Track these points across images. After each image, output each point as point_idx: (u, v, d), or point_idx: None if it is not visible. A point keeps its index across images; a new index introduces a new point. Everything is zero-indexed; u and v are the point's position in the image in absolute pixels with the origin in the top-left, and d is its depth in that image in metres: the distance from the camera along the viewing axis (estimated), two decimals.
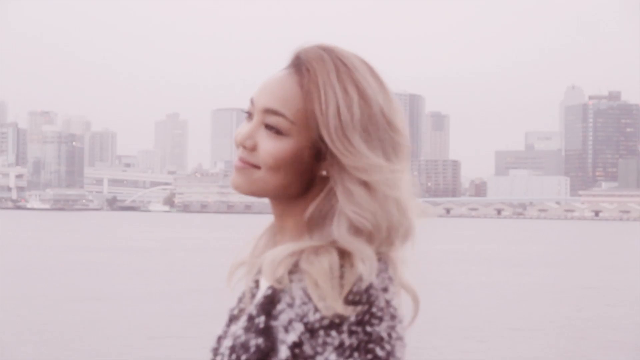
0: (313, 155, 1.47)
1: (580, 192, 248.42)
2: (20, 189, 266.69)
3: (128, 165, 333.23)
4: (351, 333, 1.36)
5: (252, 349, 1.41)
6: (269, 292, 1.43)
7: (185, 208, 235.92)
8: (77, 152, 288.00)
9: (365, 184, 1.42)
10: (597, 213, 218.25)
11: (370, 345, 1.36)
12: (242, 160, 1.50)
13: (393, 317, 1.38)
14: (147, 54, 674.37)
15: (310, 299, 1.38)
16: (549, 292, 32.32)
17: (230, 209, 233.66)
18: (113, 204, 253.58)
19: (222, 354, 1.46)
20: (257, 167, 1.49)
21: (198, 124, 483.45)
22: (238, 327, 1.45)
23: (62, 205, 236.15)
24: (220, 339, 1.53)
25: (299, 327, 1.38)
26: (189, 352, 18.27)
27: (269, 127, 1.47)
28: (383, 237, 1.41)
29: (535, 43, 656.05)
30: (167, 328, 21.24)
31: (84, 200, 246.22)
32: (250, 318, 1.44)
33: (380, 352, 1.36)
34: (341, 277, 1.37)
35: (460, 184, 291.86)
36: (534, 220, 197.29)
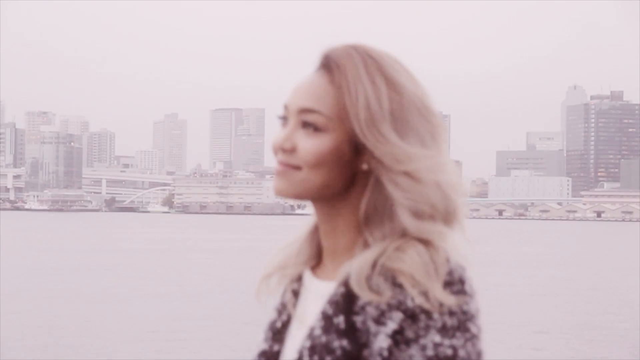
0: (352, 149, 1.47)
1: (582, 193, 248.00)
2: (18, 189, 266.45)
3: (126, 165, 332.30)
4: (451, 314, 1.38)
5: (338, 352, 1.40)
6: (342, 289, 1.43)
7: (185, 209, 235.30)
8: (76, 152, 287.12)
9: (407, 173, 1.43)
10: (599, 214, 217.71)
11: (467, 324, 1.39)
12: (282, 163, 1.50)
13: (475, 291, 1.42)
14: (145, 54, 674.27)
15: (402, 289, 1.38)
16: (551, 293, 32.46)
17: (229, 209, 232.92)
18: (111, 204, 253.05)
19: (302, 354, 1.43)
20: (298, 168, 1.48)
21: (197, 124, 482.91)
22: (315, 327, 1.44)
23: (60, 206, 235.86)
24: (267, 355, 1.52)
25: (397, 316, 1.38)
26: (190, 353, 18.33)
27: (306, 125, 1.48)
28: (443, 216, 1.44)
29: (537, 43, 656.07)
30: (168, 328, 21.35)
31: (82, 201, 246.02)
32: (327, 317, 1.43)
33: (474, 329, 1.40)
34: (434, 265, 1.39)
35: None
36: (535, 221, 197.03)
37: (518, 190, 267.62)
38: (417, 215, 1.42)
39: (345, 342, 1.40)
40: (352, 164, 1.48)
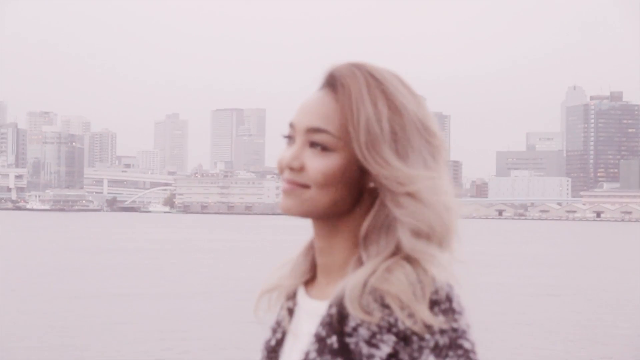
0: (360, 167, 1.47)
1: (582, 193, 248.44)
2: (20, 189, 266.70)
3: (128, 165, 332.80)
4: (442, 332, 1.39)
5: None
6: (334, 310, 1.44)
7: (186, 209, 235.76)
8: (77, 152, 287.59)
9: (409, 194, 1.44)
10: (598, 214, 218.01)
11: (459, 341, 1.40)
12: (290, 181, 1.49)
13: (464, 308, 1.43)
14: (146, 54, 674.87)
15: (391, 310, 1.39)
16: (550, 292, 32.33)
17: (230, 209, 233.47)
18: (113, 204, 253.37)
19: None
20: (306, 186, 1.48)
21: (198, 125, 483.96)
22: (310, 351, 1.45)
23: (62, 205, 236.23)
24: None
25: (390, 338, 1.40)
26: (192, 352, 18.22)
27: (314, 145, 1.48)
28: (439, 238, 1.45)
29: (537, 43, 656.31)
30: (169, 328, 21.25)
31: (83, 201, 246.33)
32: (321, 339, 1.44)
33: (467, 345, 1.41)
34: (420, 286, 1.40)
35: (461, 184, 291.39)
36: (535, 221, 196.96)
37: (518, 191, 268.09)
38: (415, 234, 1.43)
39: None
40: (360, 183, 1.49)
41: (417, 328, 1.39)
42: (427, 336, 1.39)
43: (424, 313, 1.39)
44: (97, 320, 22.34)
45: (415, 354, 1.39)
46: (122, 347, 18.63)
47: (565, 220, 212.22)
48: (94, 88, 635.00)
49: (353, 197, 1.49)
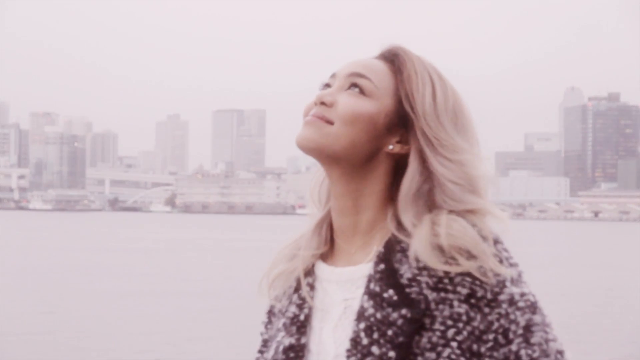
0: (386, 124, 1.52)
1: (580, 193, 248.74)
2: (23, 189, 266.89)
3: (129, 166, 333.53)
4: (512, 265, 1.48)
5: (399, 322, 1.42)
6: (382, 266, 1.47)
7: (187, 209, 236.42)
8: (79, 153, 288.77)
9: (458, 162, 1.51)
10: (596, 214, 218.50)
11: (522, 275, 1.49)
12: (315, 114, 1.52)
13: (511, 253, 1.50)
14: (147, 55, 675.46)
15: (455, 259, 1.44)
16: (548, 292, 32.00)
17: (231, 209, 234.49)
18: (115, 204, 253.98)
19: (358, 336, 1.44)
20: (330, 122, 1.51)
21: (199, 125, 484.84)
22: (365, 308, 1.45)
23: (64, 205, 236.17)
24: (295, 349, 1.52)
25: (464, 280, 1.44)
26: (193, 352, 18.17)
27: (353, 86, 1.53)
28: (482, 195, 1.54)
29: (535, 44, 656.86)
30: (169, 328, 21.14)
31: (85, 201, 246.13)
32: (376, 294, 1.45)
33: (525, 288, 1.48)
34: (483, 238, 1.46)
35: None
36: (533, 221, 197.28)
37: (516, 191, 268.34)
38: (461, 190, 1.50)
39: (404, 311, 1.42)
40: (380, 140, 1.53)
41: (494, 282, 1.44)
42: (505, 289, 1.44)
43: (492, 263, 1.44)
44: (99, 320, 22.16)
45: (497, 289, 1.44)
46: (124, 346, 18.51)
47: (564, 220, 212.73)
48: (95, 89, 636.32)
49: (370, 149, 1.52)
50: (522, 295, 1.45)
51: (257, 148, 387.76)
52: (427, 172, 1.50)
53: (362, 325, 1.43)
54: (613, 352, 19.14)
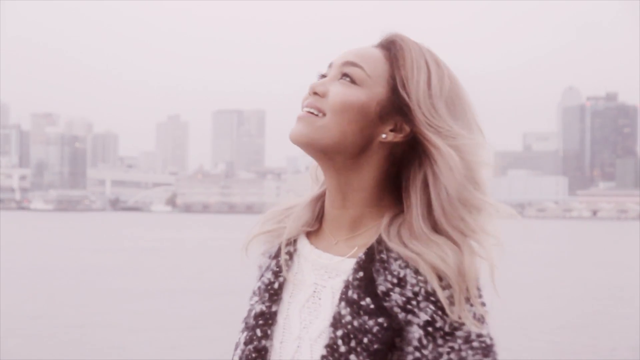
0: (378, 112, 1.51)
1: (578, 192, 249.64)
2: (24, 190, 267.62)
3: (130, 166, 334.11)
4: (475, 321, 1.46)
5: (375, 329, 1.41)
6: (361, 273, 1.46)
7: (187, 208, 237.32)
8: (80, 153, 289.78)
9: (454, 147, 1.49)
10: (594, 212, 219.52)
11: (482, 327, 1.47)
12: (309, 105, 1.53)
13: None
14: (148, 56, 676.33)
15: (425, 278, 1.43)
16: (547, 290, 32.19)
17: (231, 209, 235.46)
18: (116, 204, 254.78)
19: (335, 343, 1.44)
20: (322, 112, 1.51)
21: (199, 126, 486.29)
22: (342, 315, 1.44)
23: (65, 206, 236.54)
24: (265, 315, 1.55)
25: (428, 306, 1.42)
26: (194, 352, 18.21)
27: (344, 76, 1.52)
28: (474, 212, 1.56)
29: (533, 44, 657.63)
30: (170, 328, 21.11)
31: (86, 201, 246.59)
32: (353, 301, 1.44)
33: (484, 330, 1.48)
34: (465, 277, 1.45)
35: None
36: (532, 220, 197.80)
37: (515, 190, 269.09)
38: (452, 195, 1.50)
39: (381, 320, 1.41)
40: (373, 129, 1.51)
41: (454, 317, 1.43)
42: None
43: (462, 311, 1.43)
44: (100, 319, 22.07)
45: (456, 324, 1.43)
46: (125, 346, 18.41)
47: (562, 218, 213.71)
48: (96, 90, 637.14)
49: (362, 140, 1.51)
50: (480, 336, 1.44)
51: (257, 148, 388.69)
52: (424, 168, 1.50)
53: (339, 333, 1.43)
54: (612, 352, 18.91)
